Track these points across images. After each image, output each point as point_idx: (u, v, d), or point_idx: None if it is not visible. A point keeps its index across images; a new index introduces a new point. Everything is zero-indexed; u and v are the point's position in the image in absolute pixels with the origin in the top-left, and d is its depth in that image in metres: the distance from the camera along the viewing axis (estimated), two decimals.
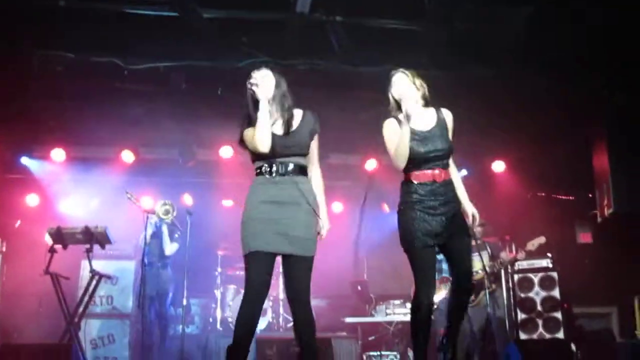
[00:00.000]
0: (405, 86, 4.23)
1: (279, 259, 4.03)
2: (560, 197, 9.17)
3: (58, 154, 8.78)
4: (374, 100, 7.18)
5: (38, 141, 8.80)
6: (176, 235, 7.26)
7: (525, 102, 7.54)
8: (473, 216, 4.35)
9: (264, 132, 3.90)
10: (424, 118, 4.28)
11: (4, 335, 7.55)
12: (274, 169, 3.98)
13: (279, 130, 4.05)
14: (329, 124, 8.18)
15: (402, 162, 4.16)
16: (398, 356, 8.87)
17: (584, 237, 9.47)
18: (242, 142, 4.13)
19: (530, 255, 7.38)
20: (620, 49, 6.48)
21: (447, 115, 4.35)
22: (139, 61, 6.90)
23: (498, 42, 6.71)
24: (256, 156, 4.06)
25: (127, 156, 8.94)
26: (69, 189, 9.28)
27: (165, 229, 7.16)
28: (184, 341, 6.89)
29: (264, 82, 4.05)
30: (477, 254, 6.91)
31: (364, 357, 8.71)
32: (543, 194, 9.28)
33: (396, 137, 4.16)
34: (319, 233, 4.15)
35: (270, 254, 3.92)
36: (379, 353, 8.78)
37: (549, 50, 6.71)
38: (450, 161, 4.37)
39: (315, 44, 6.82)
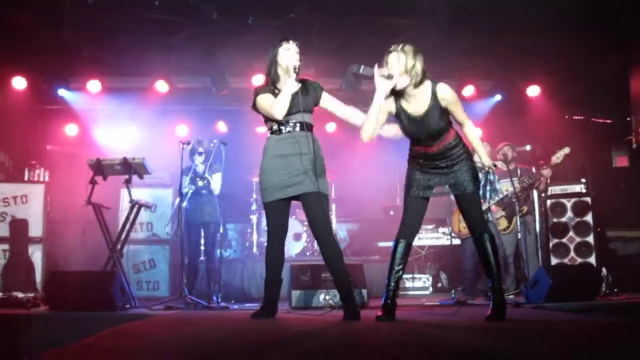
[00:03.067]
0: (397, 73, 4.16)
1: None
2: (597, 120, 9.03)
3: (94, 85, 8.90)
4: (410, 25, 7.08)
5: (74, 73, 8.91)
6: (216, 166, 7.38)
7: (560, 24, 7.33)
8: (493, 166, 4.68)
9: (284, 104, 4.55)
10: (418, 99, 4.25)
11: (51, 263, 7.89)
12: (282, 127, 4.65)
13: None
14: (364, 51, 8.19)
15: (364, 132, 4.26)
16: (430, 279, 9.09)
17: (621, 161, 9.36)
18: (254, 106, 4.74)
19: (557, 168, 7.28)
20: None
21: (442, 91, 4.22)
22: None
23: None
24: (268, 118, 4.73)
25: (161, 86, 9.02)
26: (106, 119, 9.45)
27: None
28: (222, 265, 7.12)
29: (298, 64, 4.62)
30: (508, 179, 6.99)
31: None
32: (580, 118, 9.15)
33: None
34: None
35: (282, 200, 4.63)
36: (411, 276, 9.00)
37: None
38: (466, 123, 4.43)
39: None
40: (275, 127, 4.69)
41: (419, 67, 4.18)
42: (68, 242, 8.22)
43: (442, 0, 7.14)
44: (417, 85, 4.20)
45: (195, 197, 7.10)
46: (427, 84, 4.25)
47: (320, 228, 4.58)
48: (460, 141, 4.44)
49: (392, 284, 4.40)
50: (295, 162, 4.58)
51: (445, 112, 4.29)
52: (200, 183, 6.98)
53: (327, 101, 4.82)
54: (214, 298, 6.89)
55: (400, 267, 4.42)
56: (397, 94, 4.28)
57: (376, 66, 4.19)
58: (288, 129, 4.64)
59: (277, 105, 4.55)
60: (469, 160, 4.41)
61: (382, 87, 4.16)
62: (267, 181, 4.66)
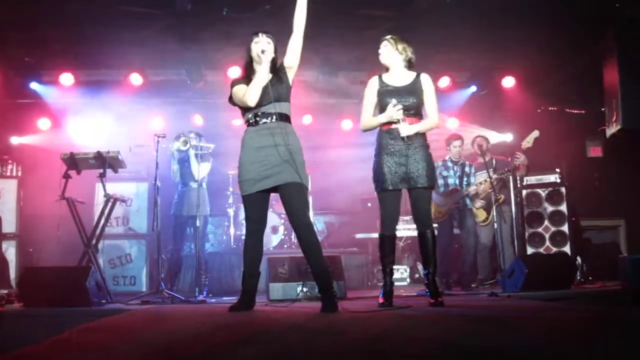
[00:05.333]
0: (388, 53, 4.88)
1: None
2: (571, 111, 9.11)
3: (66, 78, 8.78)
4: (382, 17, 7.08)
5: (46, 66, 8.76)
6: (206, 152, 7.36)
7: (534, 16, 7.37)
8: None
9: (257, 90, 4.58)
10: (402, 77, 4.87)
11: (25, 259, 7.79)
12: (258, 119, 4.65)
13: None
14: (337, 43, 8.16)
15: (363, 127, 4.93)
16: (408, 269, 9.15)
17: (594, 151, 9.48)
18: (231, 99, 4.79)
19: (533, 158, 7.35)
20: None
21: (425, 80, 4.87)
22: None
23: None
24: (244, 109, 4.76)
25: (136, 79, 8.92)
26: (79, 112, 9.32)
27: (191, 154, 7.27)
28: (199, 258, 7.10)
29: (269, 49, 4.68)
30: (484, 171, 7.05)
31: (375, 271, 8.96)
32: (554, 109, 9.22)
33: (370, 100, 4.92)
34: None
35: (260, 193, 4.64)
36: None
37: None
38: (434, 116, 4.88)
39: None
40: (251, 119, 4.70)
41: (408, 48, 4.88)
42: (42, 238, 8.12)
43: None
44: (409, 66, 4.88)
45: (185, 190, 7.14)
46: (412, 72, 4.90)
47: (299, 219, 4.57)
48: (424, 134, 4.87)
49: (388, 275, 4.88)
50: (272, 153, 4.56)
51: (420, 94, 4.82)
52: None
53: (288, 56, 4.76)
54: (205, 291, 6.96)
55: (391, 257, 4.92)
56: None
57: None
58: (263, 120, 4.64)
59: (248, 92, 4.60)
60: (426, 154, 4.79)
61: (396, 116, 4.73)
62: (244, 174, 4.66)
